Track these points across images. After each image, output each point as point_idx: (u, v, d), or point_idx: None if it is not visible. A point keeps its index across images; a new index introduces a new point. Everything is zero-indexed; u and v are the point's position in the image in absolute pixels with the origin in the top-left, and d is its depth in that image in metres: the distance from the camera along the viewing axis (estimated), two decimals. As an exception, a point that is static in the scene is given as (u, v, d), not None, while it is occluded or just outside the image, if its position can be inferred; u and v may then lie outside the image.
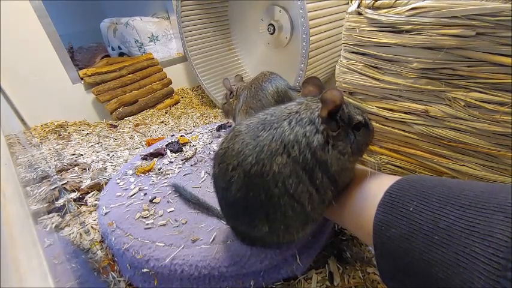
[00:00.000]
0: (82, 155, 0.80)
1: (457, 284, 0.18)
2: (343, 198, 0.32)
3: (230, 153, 0.31)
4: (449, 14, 0.39)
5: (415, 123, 0.48)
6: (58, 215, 0.52)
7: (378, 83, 0.49)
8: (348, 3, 0.78)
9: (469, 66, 0.40)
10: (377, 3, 0.46)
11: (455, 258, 0.18)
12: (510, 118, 0.39)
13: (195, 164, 0.57)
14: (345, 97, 0.30)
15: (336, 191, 0.31)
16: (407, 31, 0.43)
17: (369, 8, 0.47)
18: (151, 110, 1.21)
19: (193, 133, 0.71)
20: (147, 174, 0.55)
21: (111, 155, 0.79)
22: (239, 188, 0.30)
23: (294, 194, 0.29)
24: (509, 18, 0.35)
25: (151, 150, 0.63)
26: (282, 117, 0.31)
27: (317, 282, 0.38)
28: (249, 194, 0.30)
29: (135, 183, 0.52)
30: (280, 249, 0.35)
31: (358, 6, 0.49)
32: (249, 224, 0.32)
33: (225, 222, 0.40)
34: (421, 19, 0.41)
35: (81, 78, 1.11)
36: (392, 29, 0.45)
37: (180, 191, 0.47)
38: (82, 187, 0.61)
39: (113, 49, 1.62)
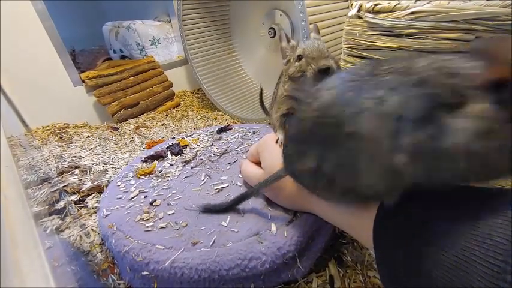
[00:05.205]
0: (83, 157, 0.81)
1: (456, 285, 0.18)
2: None
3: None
4: (449, 18, 0.39)
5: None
6: (58, 217, 0.52)
7: (378, 86, 0.49)
8: (348, 8, 0.79)
9: (468, 70, 0.40)
10: (377, 8, 0.47)
11: (455, 261, 0.18)
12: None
13: (196, 166, 0.57)
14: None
15: None
16: (407, 35, 0.44)
17: (369, 12, 0.48)
18: (152, 113, 1.21)
19: (193, 136, 0.71)
20: (147, 176, 0.55)
21: (111, 157, 0.79)
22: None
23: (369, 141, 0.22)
24: (508, 22, 0.35)
25: (152, 153, 0.63)
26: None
27: (317, 286, 0.38)
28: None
29: (135, 185, 0.52)
30: (280, 252, 0.35)
31: (358, 11, 0.50)
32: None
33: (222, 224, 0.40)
34: (420, 23, 0.42)
35: (83, 81, 1.11)
36: (392, 33, 0.45)
37: (213, 208, 0.43)
38: (82, 189, 0.61)
39: (114, 52, 1.63)
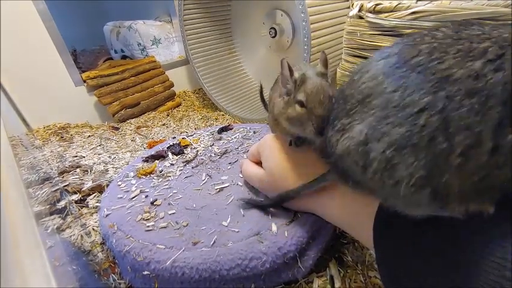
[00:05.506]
0: (84, 157, 0.81)
1: (457, 285, 0.18)
2: (343, 200, 0.32)
3: None
4: (450, 18, 0.39)
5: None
6: (59, 217, 0.52)
7: (379, 86, 0.49)
8: (349, 8, 0.79)
9: (470, 70, 0.40)
10: (378, 8, 0.47)
11: (455, 261, 0.18)
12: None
13: (196, 166, 0.57)
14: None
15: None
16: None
17: (370, 12, 0.48)
18: (153, 113, 1.22)
19: (194, 135, 0.71)
20: (148, 176, 0.55)
21: (112, 157, 0.80)
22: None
23: (452, 124, 0.17)
24: (510, 22, 0.35)
25: (152, 153, 0.63)
26: None
27: (318, 286, 0.38)
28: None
29: (136, 185, 0.52)
30: (280, 252, 0.35)
31: (360, 10, 0.50)
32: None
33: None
34: (422, 23, 0.42)
35: (84, 81, 1.12)
36: (394, 32, 0.45)
37: (251, 203, 0.43)
38: (83, 189, 0.61)
39: (115, 52, 1.63)
